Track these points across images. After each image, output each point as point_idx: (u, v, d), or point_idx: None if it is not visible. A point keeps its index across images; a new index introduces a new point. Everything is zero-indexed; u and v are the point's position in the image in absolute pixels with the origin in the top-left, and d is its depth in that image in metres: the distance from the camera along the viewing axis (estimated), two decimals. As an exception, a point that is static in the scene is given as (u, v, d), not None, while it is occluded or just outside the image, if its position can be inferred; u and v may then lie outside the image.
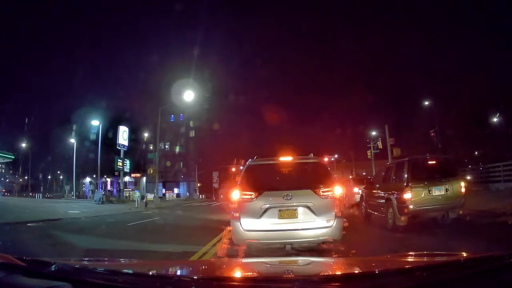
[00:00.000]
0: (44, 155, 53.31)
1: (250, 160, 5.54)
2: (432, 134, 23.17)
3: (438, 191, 7.44)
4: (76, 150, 34.67)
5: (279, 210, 4.78)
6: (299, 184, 5.05)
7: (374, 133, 30.31)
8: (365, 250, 5.73)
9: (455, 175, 7.88)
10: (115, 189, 65.28)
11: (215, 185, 66.20)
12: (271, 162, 5.37)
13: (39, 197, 42.89)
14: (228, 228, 7.96)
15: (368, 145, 30.35)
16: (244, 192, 4.94)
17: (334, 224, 4.78)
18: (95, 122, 26.57)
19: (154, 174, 24.12)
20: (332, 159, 44.73)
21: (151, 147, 73.37)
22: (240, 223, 4.84)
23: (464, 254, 2.13)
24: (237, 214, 4.90)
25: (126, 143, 25.30)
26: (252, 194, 4.88)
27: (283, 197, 4.78)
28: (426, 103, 24.66)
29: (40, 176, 58.96)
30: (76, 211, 16.20)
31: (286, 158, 5.38)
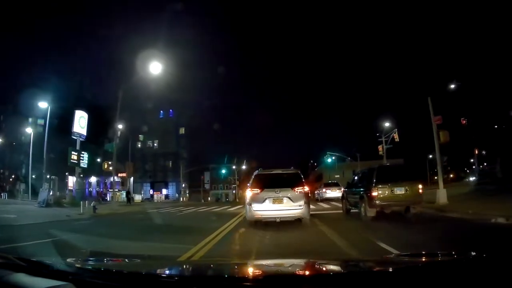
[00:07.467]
0: (5, 151, 48.04)
1: (256, 171, 9.78)
2: (464, 122, 19.02)
3: (399, 191, 9.80)
4: (33, 141, 29.67)
5: (273, 199, 8.76)
6: (284, 185, 8.95)
7: (387, 124, 25.03)
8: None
9: (414, 178, 10.45)
10: (101, 189, 60.39)
11: (206, 186, 61.58)
12: (269, 172, 9.66)
13: (5, 198, 38.55)
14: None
15: (380, 139, 25.27)
16: (254, 189, 9.01)
17: (304, 208, 8.68)
18: (43, 104, 21.60)
19: (108, 169, 19.29)
20: (333, 157, 42.19)
21: (139, 145, 68.87)
22: (252, 207, 8.82)
23: (464, 255, 2.02)
24: (249, 202, 8.90)
25: (83, 131, 20.58)
26: (258, 190, 8.93)
27: (275, 192, 8.79)
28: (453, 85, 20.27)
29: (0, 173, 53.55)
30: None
31: (277, 170, 9.64)
